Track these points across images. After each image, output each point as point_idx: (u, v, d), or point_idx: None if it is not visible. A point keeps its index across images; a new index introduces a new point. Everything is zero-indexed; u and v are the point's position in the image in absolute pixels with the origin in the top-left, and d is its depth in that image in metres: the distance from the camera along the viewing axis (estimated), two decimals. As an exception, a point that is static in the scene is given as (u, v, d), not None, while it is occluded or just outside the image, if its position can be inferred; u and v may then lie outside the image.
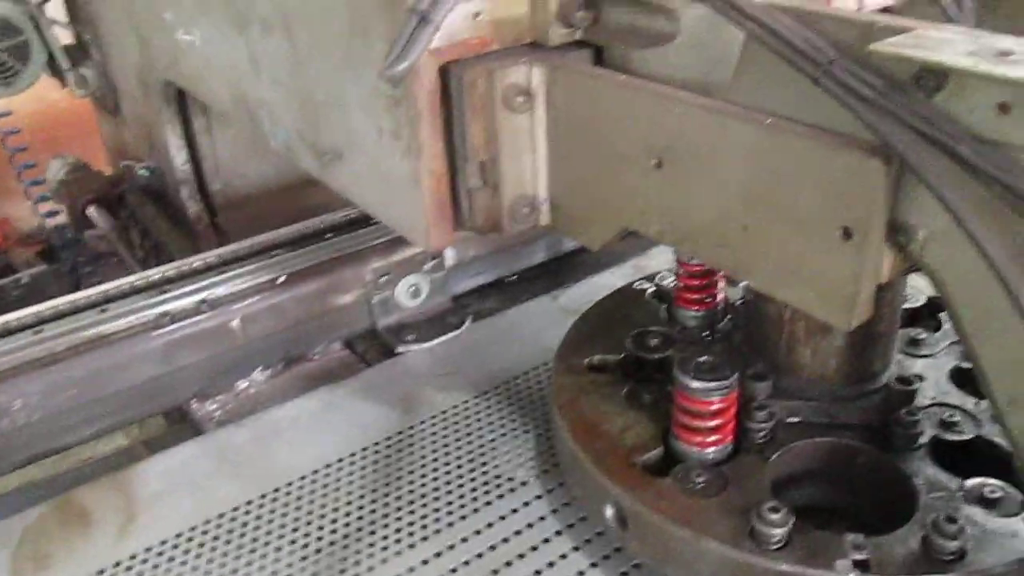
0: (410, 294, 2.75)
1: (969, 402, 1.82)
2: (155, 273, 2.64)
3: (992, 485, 1.62)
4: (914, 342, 1.99)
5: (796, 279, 1.29)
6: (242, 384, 2.53)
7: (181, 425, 2.48)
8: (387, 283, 2.70)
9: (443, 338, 2.63)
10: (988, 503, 1.59)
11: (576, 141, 1.61)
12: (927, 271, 1.21)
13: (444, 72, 1.56)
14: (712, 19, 1.33)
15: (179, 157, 3.43)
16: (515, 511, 1.94)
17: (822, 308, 1.28)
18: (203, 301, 2.48)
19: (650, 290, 2.29)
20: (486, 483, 2.03)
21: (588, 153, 1.59)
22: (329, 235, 2.84)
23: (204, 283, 2.54)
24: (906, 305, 2.04)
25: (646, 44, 1.54)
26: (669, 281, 2.27)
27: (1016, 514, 1.57)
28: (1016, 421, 1.18)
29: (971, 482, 1.64)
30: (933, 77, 1.04)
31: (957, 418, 1.78)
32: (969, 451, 1.75)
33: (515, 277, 3.05)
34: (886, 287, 1.32)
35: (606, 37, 1.62)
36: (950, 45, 1.03)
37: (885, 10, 1.61)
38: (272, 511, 2.00)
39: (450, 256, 2.87)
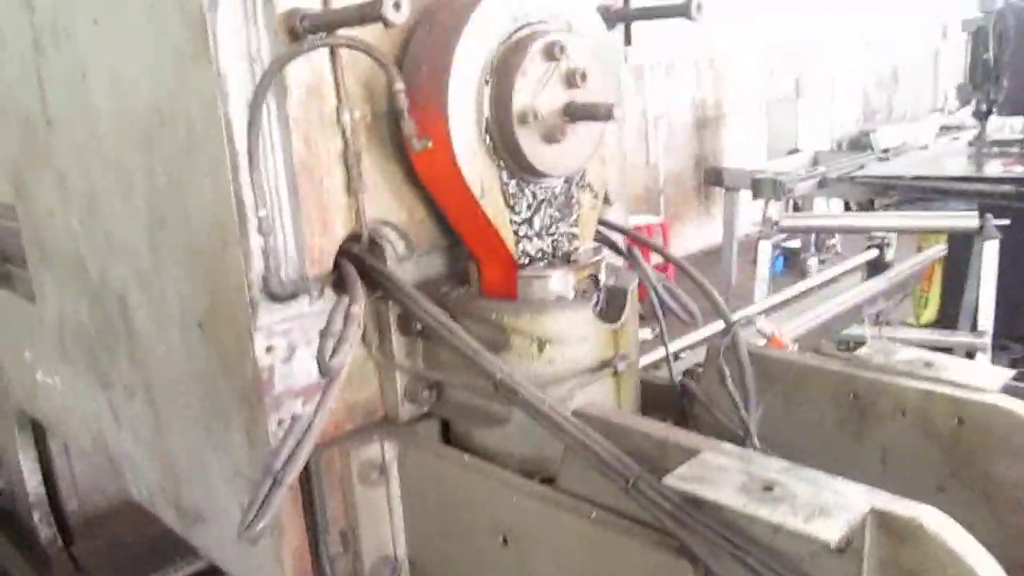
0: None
1: None
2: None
3: None
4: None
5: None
6: None
7: None
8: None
9: None
10: None
11: (429, 511, 1.73)
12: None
13: (302, 458, 1.68)
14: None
15: (32, 481, 3.34)
16: None
17: None
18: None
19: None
20: None
21: (441, 523, 1.72)
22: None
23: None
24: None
25: (484, 424, 1.73)
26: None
27: None
28: None
29: None
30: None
31: None
32: None
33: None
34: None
35: (449, 414, 1.80)
36: (726, 477, 1.23)
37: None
38: None
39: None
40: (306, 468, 1.72)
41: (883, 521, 1.14)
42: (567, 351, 1.65)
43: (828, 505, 1.15)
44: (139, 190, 1.81)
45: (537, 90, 1.58)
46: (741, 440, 1.65)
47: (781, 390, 1.71)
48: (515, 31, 1.60)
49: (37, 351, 2.68)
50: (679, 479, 1.24)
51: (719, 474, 1.25)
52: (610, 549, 1.40)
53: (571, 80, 1.60)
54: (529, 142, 1.60)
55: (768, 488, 1.20)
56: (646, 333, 4.06)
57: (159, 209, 1.77)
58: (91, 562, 3.13)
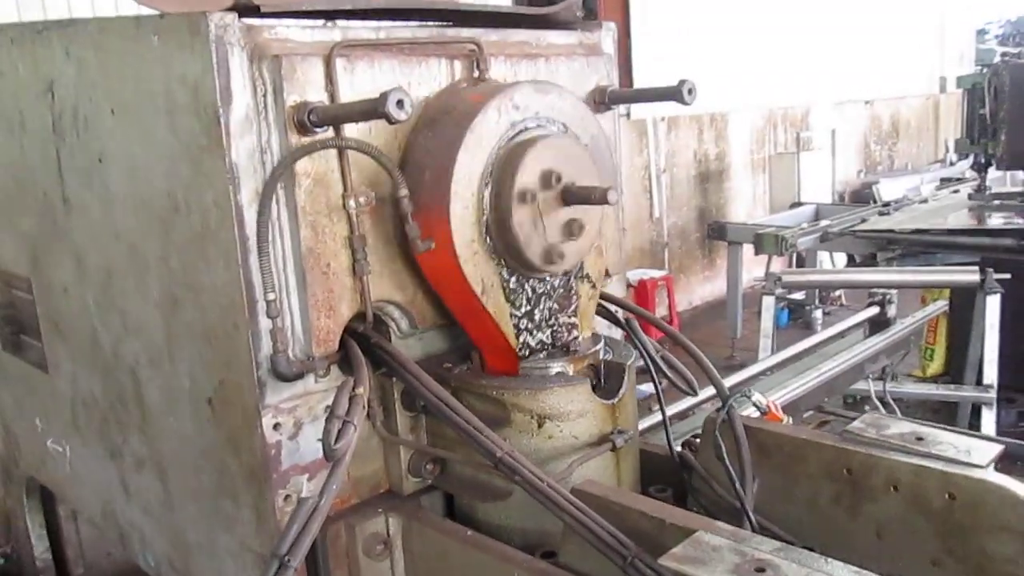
0: None
1: None
2: None
3: None
4: None
5: None
6: None
7: None
8: None
9: None
10: None
11: (433, 585, 1.76)
12: None
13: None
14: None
15: (39, 546, 3.36)
16: None
17: None
18: None
19: None
20: None
21: (446, 599, 1.74)
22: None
23: None
24: None
25: (486, 499, 1.76)
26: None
27: None
28: None
29: None
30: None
31: None
32: None
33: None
34: None
35: (452, 488, 1.84)
36: (719, 557, 1.27)
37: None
38: None
39: None
40: (312, 543, 1.75)
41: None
42: (566, 427, 1.70)
43: (818, 588, 1.18)
44: (153, 271, 1.88)
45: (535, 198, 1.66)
46: (738, 513, 1.69)
47: (777, 464, 1.75)
48: (514, 136, 1.68)
49: (48, 420, 2.73)
50: (674, 559, 1.28)
51: (713, 554, 1.28)
52: (609, 628, 1.43)
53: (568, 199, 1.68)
54: (528, 241, 1.67)
55: (760, 570, 1.23)
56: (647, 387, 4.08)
57: (172, 290, 1.83)
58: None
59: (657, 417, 2.41)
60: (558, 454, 1.69)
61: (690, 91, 1.88)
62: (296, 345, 1.67)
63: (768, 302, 5.87)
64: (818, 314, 8.92)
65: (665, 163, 10.11)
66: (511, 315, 1.72)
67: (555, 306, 1.78)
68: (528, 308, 1.74)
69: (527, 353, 1.75)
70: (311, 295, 1.64)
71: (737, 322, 7.57)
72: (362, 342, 1.72)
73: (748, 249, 7.26)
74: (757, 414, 2.06)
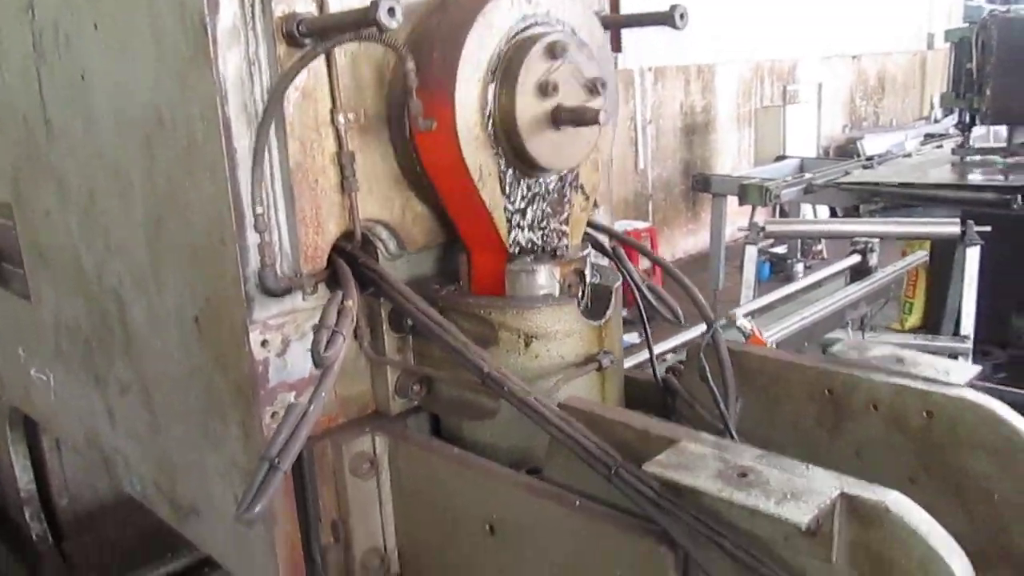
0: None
1: None
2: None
3: None
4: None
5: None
6: None
7: None
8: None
9: None
10: None
11: (419, 503, 1.78)
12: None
13: (295, 450, 1.73)
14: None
15: (23, 477, 3.37)
16: None
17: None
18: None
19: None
20: None
21: (430, 514, 1.77)
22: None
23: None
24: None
25: (472, 417, 1.78)
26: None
27: None
28: None
29: None
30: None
31: None
32: None
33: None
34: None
35: (439, 408, 1.86)
36: (703, 464, 1.29)
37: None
38: None
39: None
40: (299, 460, 1.76)
41: (851, 505, 1.20)
42: (553, 347, 1.71)
43: (799, 490, 1.20)
44: (137, 190, 1.86)
45: (540, 86, 1.66)
46: (721, 434, 1.71)
47: (760, 387, 1.77)
48: (523, 29, 1.68)
49: (31, 349, 2.72)
50: (659, 466, 1.30)
51: (696, 461, 1.30)
52: (593, 537, 1.45)
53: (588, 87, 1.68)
54: (529, 136, 1.67)
55: (743, 475, 1.26)
56: (632, 337, 4.11)
57: (157, 208, 1.82)
58: (81, 559, 3.16)
59: (643, 355, 2.43)
60: (544, 373, 1.71)
61: (682, 16, 1.86)
62: (284, 261, 1.66)
63: (751, 252, 5.91)
64: (799, 268, 9.00)
65: (651, 114, 10.07)
66: (505, 208, 1.72)
67: (548, 209, 1.78)
68: (522, 205, 1.74)
69: (516, 251, 1.75)
70: (299, 210, 1.64)
71: (719, 274, 7.62)
72: (350, 262, 1.72)
73: (732, 202, 7.28)
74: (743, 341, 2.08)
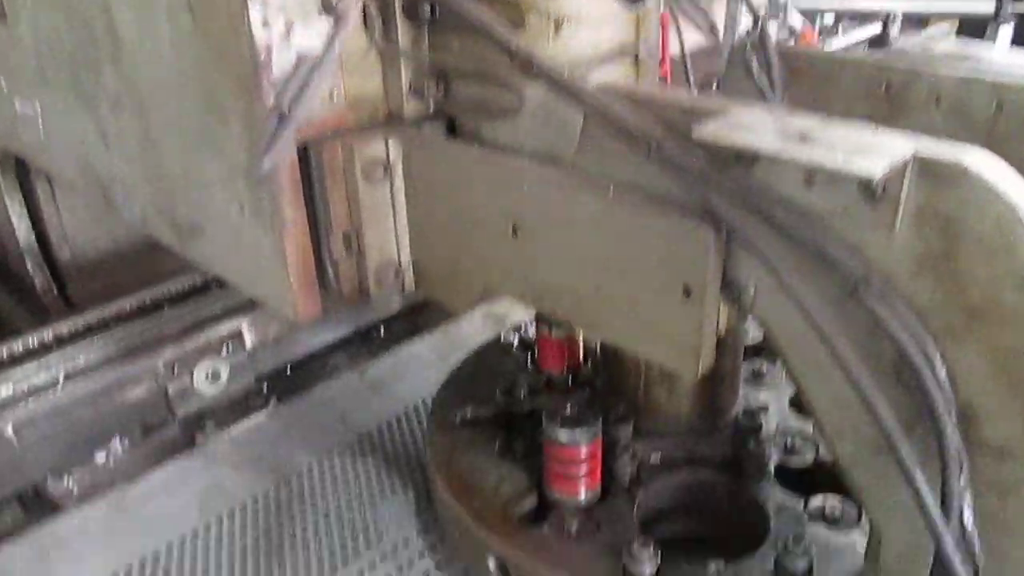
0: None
1: (808, 427, 1.99)
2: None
3: (832, 503, 1.78)
4: (757, 374, 2.16)
5: (645, 334, 1.41)
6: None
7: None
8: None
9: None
10: (830, 520, 1.75)
11: (435, 209, 1.68)
12: (759, 321, 1.35)
13: (304, 149, 1.61)
14: (554, 95, 1.45)
15: (21, 226, 3.28)
16: (400, 570, 1.97)
17: (670, 359, 1.39)
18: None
19: (515, 342, 2.38)
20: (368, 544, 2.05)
21: (447, 220, 1.67)
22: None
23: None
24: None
25: (494, 117, 1.64)
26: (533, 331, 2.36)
27: (853, 527, 1.74)
28: (843, 451, 1.32)
29: (814, 501, 1.79)
30: (749, 156, 1.18)
31: (798, 442, 1.95)
32: (811, 472, 1.91)
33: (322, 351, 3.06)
34: (727, 332, 1.45)
35: (457, 110, 1.71)
36: (761, 127, 1.16)
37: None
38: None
39: (249, 338, 2.89)
40: (307, 163, 1.65)
41: (925, 167, 1.08)
42: (585, 32, 1.54)
43: (869, 147, 1.08)
44: None
45: None
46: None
47: (809, 87, 1.63)
48: None
49: (13, 76, 2.54)
50: (708, 130, 1.17)
51: (751, 125, 1.18)
52: (627, 224, 1.36)
53: None
54: None
55: (804, 137, 1.14)
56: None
57: None
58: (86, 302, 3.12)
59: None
60: (575, 63, 1.54)
61: None
62: (284, -75, 1.46)
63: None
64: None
65: None
66: None
67: None
68: None
69: None
70: None
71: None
72: (359, -66, 1.52)
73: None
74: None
